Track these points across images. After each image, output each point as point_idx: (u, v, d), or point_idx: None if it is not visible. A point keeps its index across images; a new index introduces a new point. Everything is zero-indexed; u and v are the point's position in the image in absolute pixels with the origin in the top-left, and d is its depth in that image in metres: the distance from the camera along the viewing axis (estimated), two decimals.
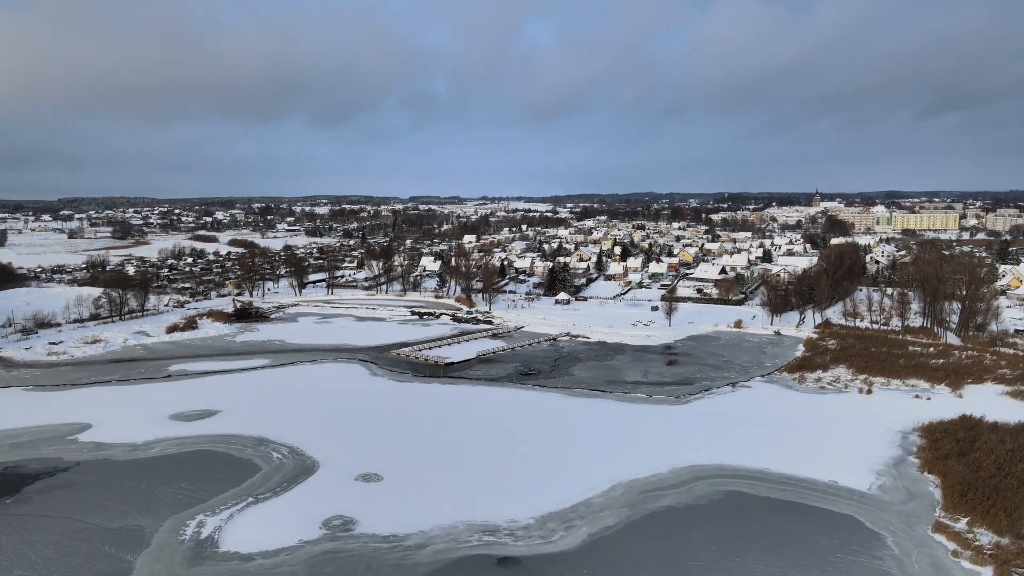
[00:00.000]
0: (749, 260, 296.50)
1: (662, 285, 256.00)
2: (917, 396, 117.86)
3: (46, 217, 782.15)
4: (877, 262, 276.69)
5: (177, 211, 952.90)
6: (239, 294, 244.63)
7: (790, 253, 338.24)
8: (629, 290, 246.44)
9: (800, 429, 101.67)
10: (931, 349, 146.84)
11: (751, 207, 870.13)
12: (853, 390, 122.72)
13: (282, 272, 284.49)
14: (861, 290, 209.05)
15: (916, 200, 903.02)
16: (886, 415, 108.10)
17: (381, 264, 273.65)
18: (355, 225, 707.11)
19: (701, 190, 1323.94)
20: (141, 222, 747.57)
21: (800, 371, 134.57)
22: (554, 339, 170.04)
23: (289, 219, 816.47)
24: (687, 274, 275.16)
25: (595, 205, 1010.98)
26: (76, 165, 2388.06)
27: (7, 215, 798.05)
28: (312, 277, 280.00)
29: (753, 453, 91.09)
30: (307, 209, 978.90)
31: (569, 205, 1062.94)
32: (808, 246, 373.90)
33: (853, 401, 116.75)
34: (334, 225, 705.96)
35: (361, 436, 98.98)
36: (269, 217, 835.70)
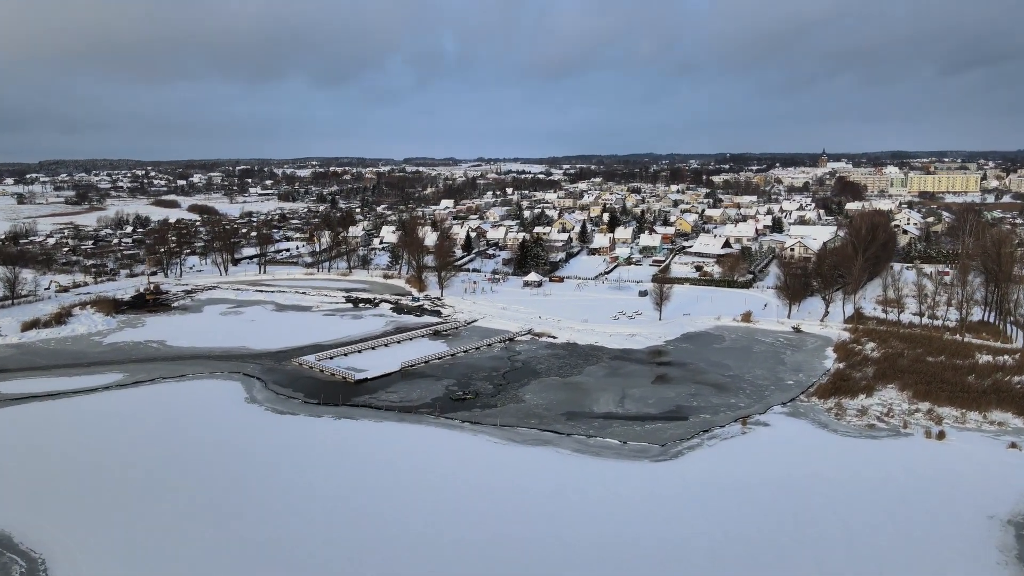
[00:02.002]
0: (756, 230, 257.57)
1: (654, 261, 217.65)
2: (1014, 445, 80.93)
3: (8, 181, 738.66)
4: (905, 232, 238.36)
5: (153, 174, 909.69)
6: (154, 273, 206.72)
7: (802, 221, 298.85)
8: (615, 268, 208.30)
9: (852, 519, 64.91)
10: (1007, 359, 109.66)
11: (754, 168, 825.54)
12: (916, 431, 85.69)
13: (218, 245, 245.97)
14: (891, 267, 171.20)
15: (924, 160, 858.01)
16: (976, 484, 71.48)
17: (330, 236, 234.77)
18: (335, 188, 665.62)
19: (703, 151, 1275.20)
20: (109, 186, 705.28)
21: (836, 395, 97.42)
22: (511, 339, 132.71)
23: (268, 182, 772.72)
24: (684, 247, 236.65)
25: (592, 167, 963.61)
26: (70, 127, 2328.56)
27: None
28: (252, 252, 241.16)
29: None
30: (289, 172, 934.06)
31: (565, 166, 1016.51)
32: (821, 212, 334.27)
33: (919, 454, 79.69)
34: (312, 188, 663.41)
35: (162, 534, 62.13)
36: (248, 180, 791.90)
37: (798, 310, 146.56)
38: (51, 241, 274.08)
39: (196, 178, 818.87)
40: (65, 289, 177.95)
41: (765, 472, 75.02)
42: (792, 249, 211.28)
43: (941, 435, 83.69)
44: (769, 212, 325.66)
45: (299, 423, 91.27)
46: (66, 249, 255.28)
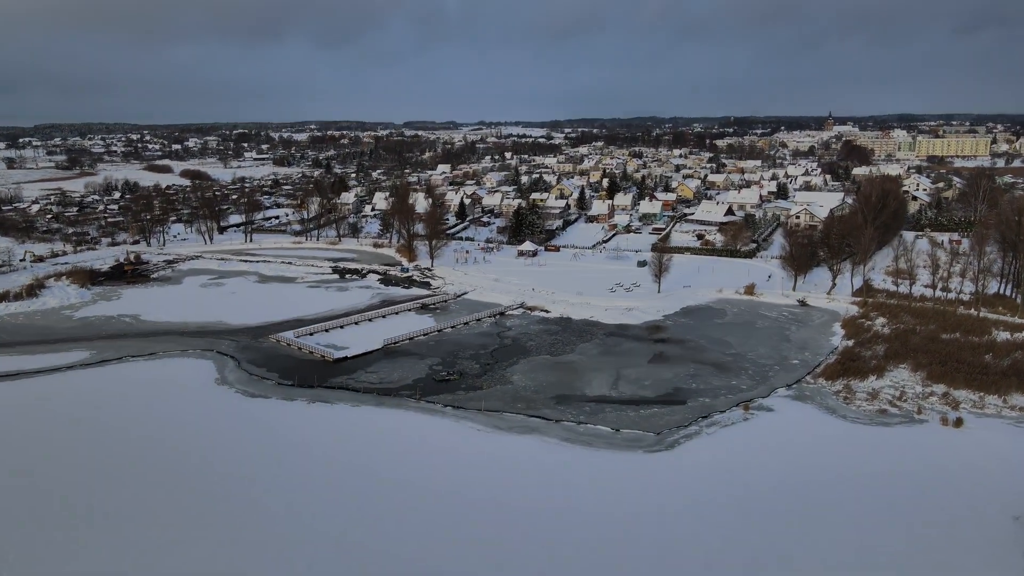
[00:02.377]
0: (761, 196, 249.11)
1: (654, 229, 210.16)
2: None
3: (1, 145, 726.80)
4: (915, 198, 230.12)
5: (148, 138, 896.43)
6: (136, 242, 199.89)
7: (808, 187, 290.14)
8: (613, 236, 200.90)
9: (862, 518, 59.07)
10: None
11: (758, 131, 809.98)
12: (931, 417, 79.61)
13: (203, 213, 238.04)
14: (901, 237, 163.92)
15: (932, 123, 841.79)
16: (999, 478, 65.65)
17: (320, 204, 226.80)
18: (332, 153, 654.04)
19: (707, 114, 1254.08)
20: (103, 150, 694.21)
21: (844, 377, 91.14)
22: (502, 313, 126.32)
23: (264, 147, 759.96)
24: (686, 214, 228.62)
25: (594, 130, 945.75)
26: (66, 89, 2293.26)
27: None
28: (240, 220, 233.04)
29: None
30: (287, 136, 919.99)
31: (567, 130, 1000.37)
32: (828, 177, 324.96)
33: (936, 444, 73.68)
34: (309, 153, 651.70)
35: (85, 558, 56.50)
36: (244, 145, 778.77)
37: (804, 282, 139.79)
38: (35, 208, 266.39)
39: (191, 142, 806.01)
40: (41, 259, 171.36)
41: (768, 465, 69.13)
42: (798, 217, 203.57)
43: (959, 422, 77.62)
44: (774, 177, 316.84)
45: (270, 408, 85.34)
46: (48, 216, 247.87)
